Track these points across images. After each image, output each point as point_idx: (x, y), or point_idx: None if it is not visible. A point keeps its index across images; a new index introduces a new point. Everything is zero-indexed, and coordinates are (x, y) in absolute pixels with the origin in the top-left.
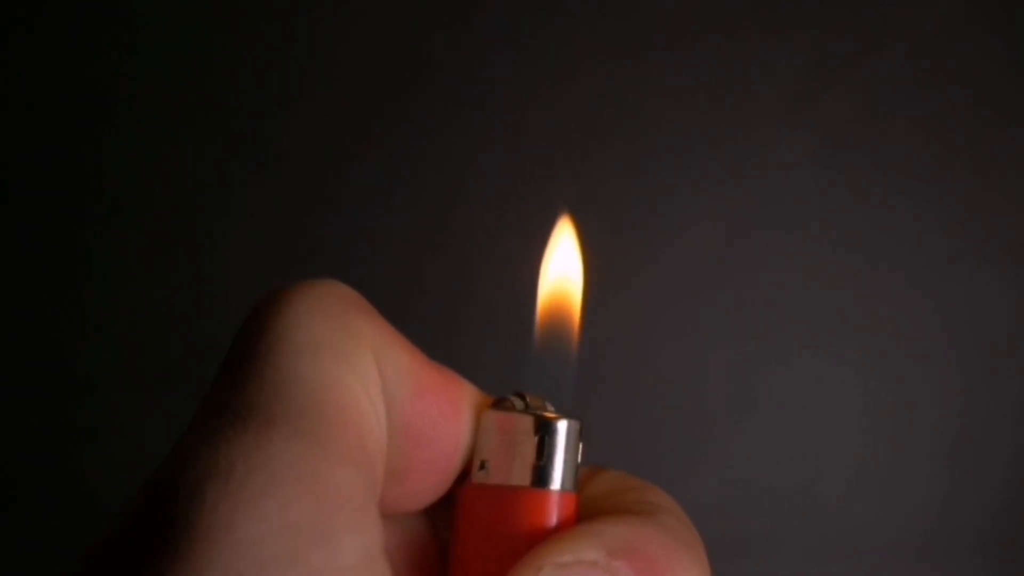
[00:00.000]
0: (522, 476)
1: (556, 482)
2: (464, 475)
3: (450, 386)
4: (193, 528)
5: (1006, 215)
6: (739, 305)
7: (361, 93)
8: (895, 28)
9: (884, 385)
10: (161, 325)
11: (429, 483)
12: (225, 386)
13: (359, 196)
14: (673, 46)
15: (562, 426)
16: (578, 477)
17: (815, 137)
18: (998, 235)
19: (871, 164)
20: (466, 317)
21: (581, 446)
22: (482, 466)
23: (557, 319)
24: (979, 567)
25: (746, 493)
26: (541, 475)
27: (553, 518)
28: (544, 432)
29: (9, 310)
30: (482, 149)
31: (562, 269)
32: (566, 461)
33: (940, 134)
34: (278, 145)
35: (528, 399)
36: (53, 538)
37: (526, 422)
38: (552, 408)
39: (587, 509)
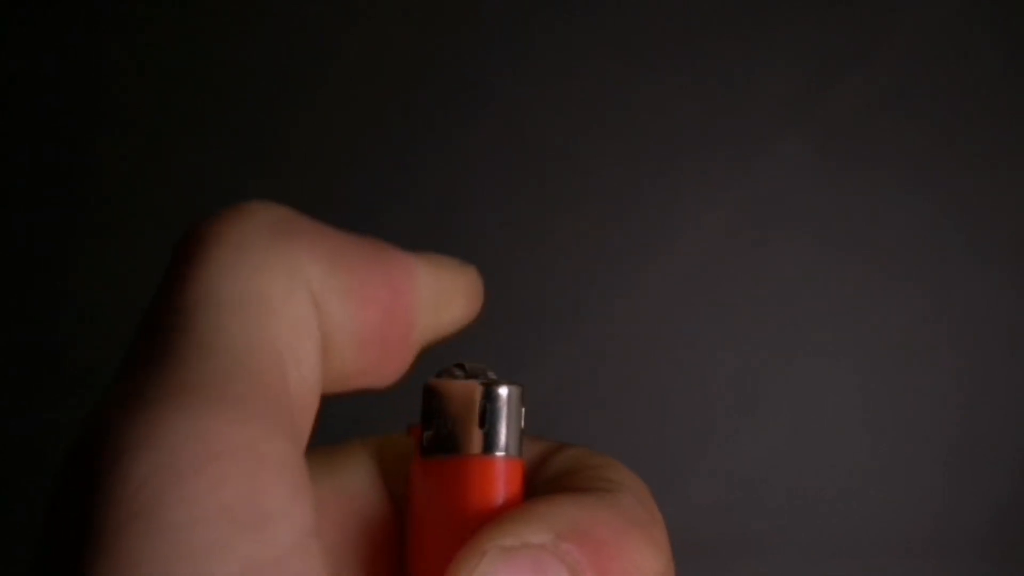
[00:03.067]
0: (467, 445)
1: (501, 448)
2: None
3: (393, 277)
4: (120, 510)
5: (1007, 215)
6: (740, 306)
7: (362, 93)
8: (895, 28)
9: (885, 386)
10: None
11: (388, 370)
12: (146, 346)
13: (359, 196)
14: (673, 46)
15: (503, 391)
16: (522, 443)
17: (815, 137)
18: (999, 235)
19: (872, 164)
20: None
21: (523, 411)
22: (428, 439)
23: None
24: (980, 568)
25: (747, 494)
26: (486, 442)
27: (501, 485)
28: (486, 399)
29: (9, 310)
30: (482, 149)
31: None
32: (509, 426)
33: (940, 134)
34: (278, 145)
35: (468, 367)
36: None
37: (467, 389)
38: (492, 375)
39: (545, 487)
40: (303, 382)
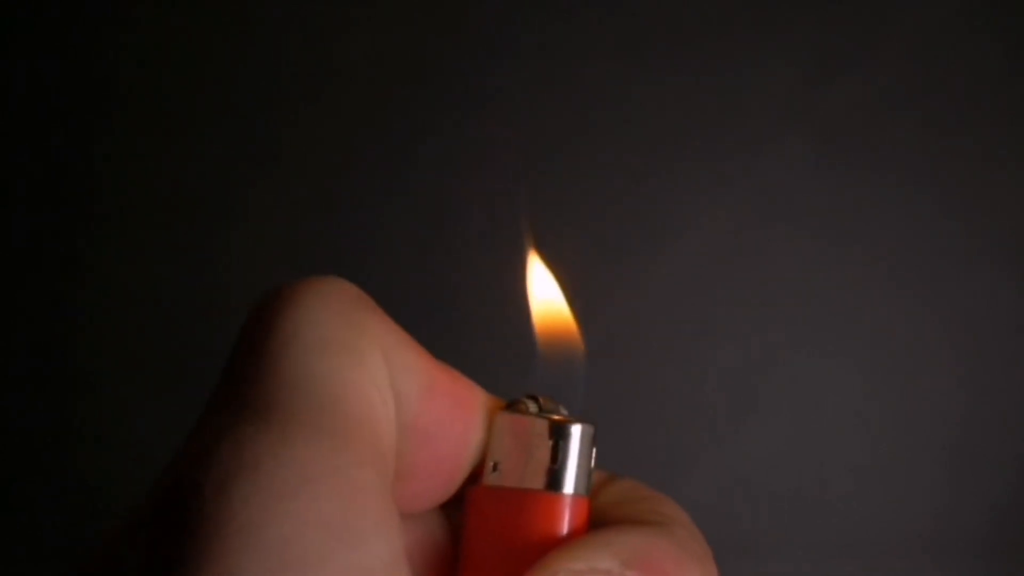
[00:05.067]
0: (535, 479)
1: (569, 486)
2: (475, 476)
3: (458, 387)
4: (224, 528)
5: (1006, 215)
6: (740, 306)
7: (361, 93)
8: (895, 28)
9: (884, 386)
10: (161, 325)
11: (435, 483)
12: (239, 382)
13: (359, 196)
14: (672, 47)
15: (576, 430)
16: (591, 481)
17: (815, 137)
18: (998, 235)
19: (871, 164)
20: (465, 318)
21: (594, 450)
22: (495, 468)
23: (557, 333)
24: (980, 568)
25: (747, 494)
26: (554, 479)
27: (565, 522)
28: (558, 436)
29: (9, 310)
30: (482, 150)
31: (546, 294)
32: (579, 465)
33: (940, 134)
34: (278, 145)
35: (541, 401)
36: (52, 538)
37: (540, 425)
38: (564, 411)
39: (599, 517)
40: (389, 424)
